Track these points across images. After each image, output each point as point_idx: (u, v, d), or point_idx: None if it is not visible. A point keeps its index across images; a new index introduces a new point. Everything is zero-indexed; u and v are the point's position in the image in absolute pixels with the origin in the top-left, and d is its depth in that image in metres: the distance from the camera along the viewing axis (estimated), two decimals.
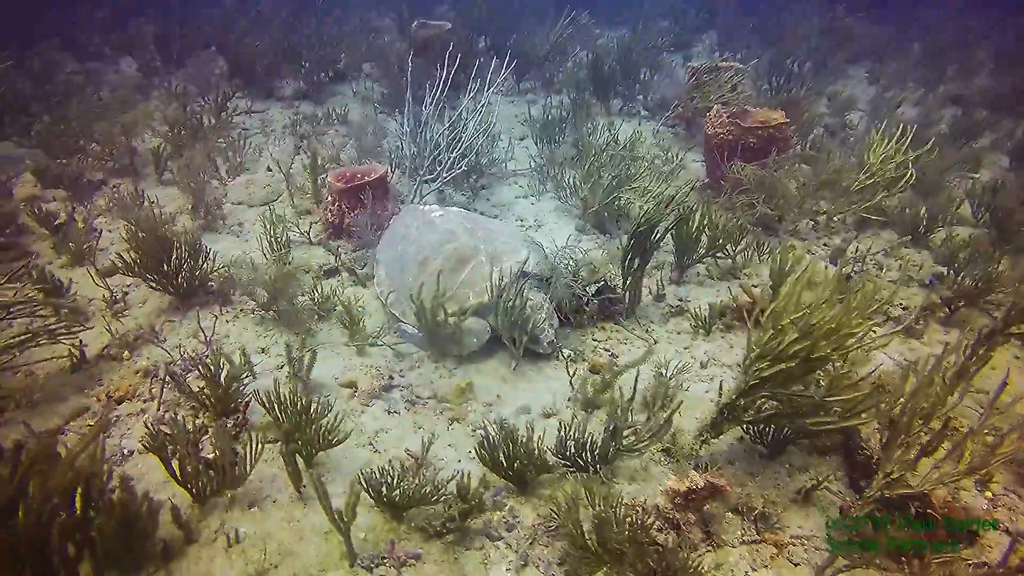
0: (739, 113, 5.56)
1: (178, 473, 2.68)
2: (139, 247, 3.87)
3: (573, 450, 2.78)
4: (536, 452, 2.74)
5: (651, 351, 3.78)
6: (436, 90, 5.69)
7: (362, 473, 2.65)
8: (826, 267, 4.60)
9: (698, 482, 2.45)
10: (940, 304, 4.04)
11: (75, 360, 3.57)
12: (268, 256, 4.48)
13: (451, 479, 2.69)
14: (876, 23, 11.97)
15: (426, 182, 5.58)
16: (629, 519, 2.40)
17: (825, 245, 5.03)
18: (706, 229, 4.43)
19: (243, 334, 3.97)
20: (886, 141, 4.93)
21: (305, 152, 6.07)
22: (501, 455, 2.67)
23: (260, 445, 2.81)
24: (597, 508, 2.36)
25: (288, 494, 2.85)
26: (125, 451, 3.10)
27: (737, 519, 2.72)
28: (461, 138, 5.51)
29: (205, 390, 3.18)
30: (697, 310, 4.11)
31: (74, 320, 3.88)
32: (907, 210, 5.08)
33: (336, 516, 2.35)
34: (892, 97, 8.87)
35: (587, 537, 2.33)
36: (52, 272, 4.10)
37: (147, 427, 2.70)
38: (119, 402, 3.40)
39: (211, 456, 2.84)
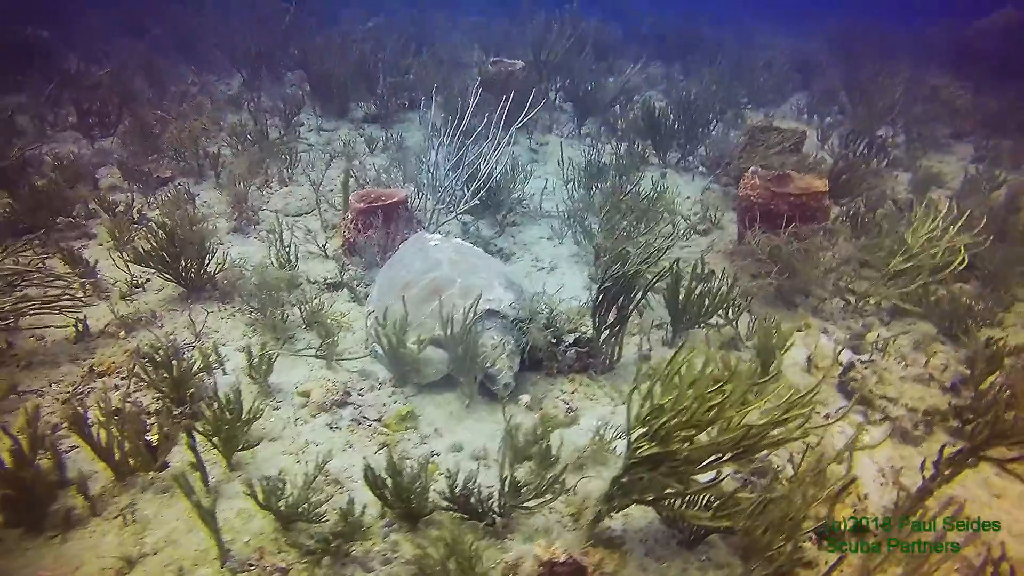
0: (779, 176, 5.28)
1: (101, 449, 2.89)
2: (155, 240, 4.24)
3: (463, 498, 2.71)
4: (423, 492, 2.70)
5: (576, 417, 3.63)
6: (461, 123, 5.82)
7: (262, 479, 2.73)
8: (837, 351, 4.21)
9: (559, 556, 2.31)
10: (951, 411, 3.57)
11: (78, 332, 3.97)
12: (274, 263, 4.75)
13: (349, 502, 2.71)
14: (999, 96, 10.95)
15: (449, 212, 5.72)
16: None
17: (848, 328, 4.62)
18: (704, 293, 4.21)
19: (231, 331, 4.23)
20: (930, 220, 4.50)
21: (352, 172, 6.42)
22: (387, 488, 2.65)
23: (182, 434, 2.97)
24: (461, 565, 2.29)
25: (201, 487, 2.97)
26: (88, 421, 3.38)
27: None
28: (478, 173, 5.59)
29: (163, 377, 3.41)
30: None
31: (94, 296, 4.33)
32: (958, 301, 4.57)
33: (203, 512, 2.43)
34: (994, 176, 8.04)
35: None
36: (80, 252, 4.59)
37: (67, 403, 2.92)
38: (100, 376, 3.72)
39: (152, 439, 3.05)
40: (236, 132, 6.69)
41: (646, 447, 2.32)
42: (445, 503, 2.73)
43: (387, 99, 8.26)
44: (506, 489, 2.69)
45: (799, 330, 4.53)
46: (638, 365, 4.03)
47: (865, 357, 4.14)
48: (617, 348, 4.06)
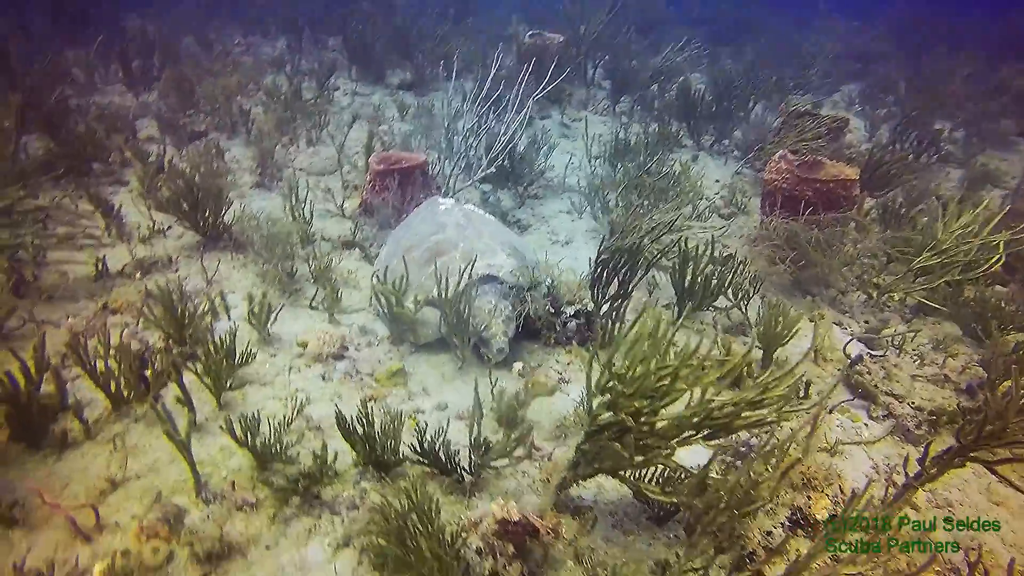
0: (809, 162, 5.07)
1: (100, 379, 3.03)
2: (176, 188, 4.37)
3: (434, 453, 2.73)
4: (394, 443, 2.74)
5: (565, 388, 3.60)
6: (482, 91, 5.77)
7: (242, 417, 2.81)
8: (846, 344, 4.05)
9: (513, 515, 2.30)
10: (958, 413, 3.40)
11: (98, 271, 4.14)
12: (288, 217, 4.84)
13: (322, 447, 2.78)
14: None
15: (468, 180, 5.71)
16: (450, 531, 2.34)
17: (866, 322, 4.43)
18: (711, 275, 4.10)
19: (241, 281, 4.35)
20: (966, 215, 4.25)
21: (378, 135, 6.47)
22: (357, 436, 2.69)
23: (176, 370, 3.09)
24: (420, 516, 2.31)
25: (188, 421, 3.08)
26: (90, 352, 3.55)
27: (579, 570, 2.51)
28: (495, 143, 5.55)
29: (168, 318, 3.54)
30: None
31: (116, 239, 4.51)
32: (987, 301, 4.32)
33: (178, 444, 2.53)
34: None
35: (401, 539, 2.29)
36: (109, 197, 4.78)
37: (69, 336, 3.06)
38: (113, 312, 3.88)
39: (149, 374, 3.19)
40: (271, 91, 6.81)
41: (604, 415, 2.28)
42: (415, 456, 2.76)
43: (423, 67, 8.25)
44: (474, 446, 2.70)
45: (811, 320, 4.38)
46: (607, 331, 3.95)
47: (878, 352, 3.97)
48: (618, 323, 4.01)
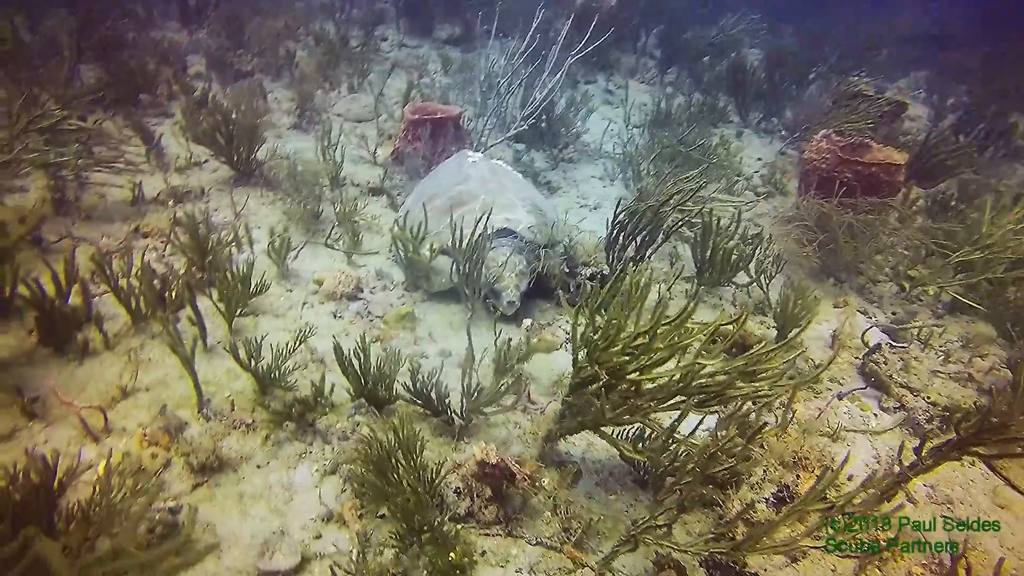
0: (855, 144, 4.84)
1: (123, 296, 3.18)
2: (212, 123, 4.48)
3: (426, 393, 2.78)
4: (388, 379, 2.80)
5: (559, 344, 3.59)
6: (526, 48, 5.67)
7: (243, 340, 2.92)
8: (864, 333, 3.92)
9: (491, 458, 2.34)
10: (974, 412, 3.26)
11: (135, 196, 4.30)
12: (320, 160, 4.90)
13: (321, 378, 2.87)
14: None
15: (500, 135, 5.67)
16: (431, 468, 2.40)
17: (894, 313, 4.27)
18: (731, 250, 4.00)
19: (268, 216, 4.45)
20: (1019, 209, 4.01)
21: (418, 86, 6.46)
22: (354, 370, 2.76)
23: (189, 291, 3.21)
24: (403, 451, 2.37)
25: (195, 339, 3.21)
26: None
27: (555, 521, 2.54)
28: (531, 102, 5.47)
29: (192, 244, 3.66)
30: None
31: (155, 167, 4.67)
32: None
33: (184, 359, 2.64)
34: None
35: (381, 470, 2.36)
36: (153, 127, 4.92)
37: (93, 260, 3.19)
38: (144, 236, 4.04)
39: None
40: (318, 36, 6.85)
41: (587, 368, 2.28)
42: (408, 395, 2.82)
43: (472, 23, 8.15)
44: (465, 391, 2.74)
45: (836, 306, 4.25)
46: (594, 287, 3.90)
47: (900, 344, 3.83)
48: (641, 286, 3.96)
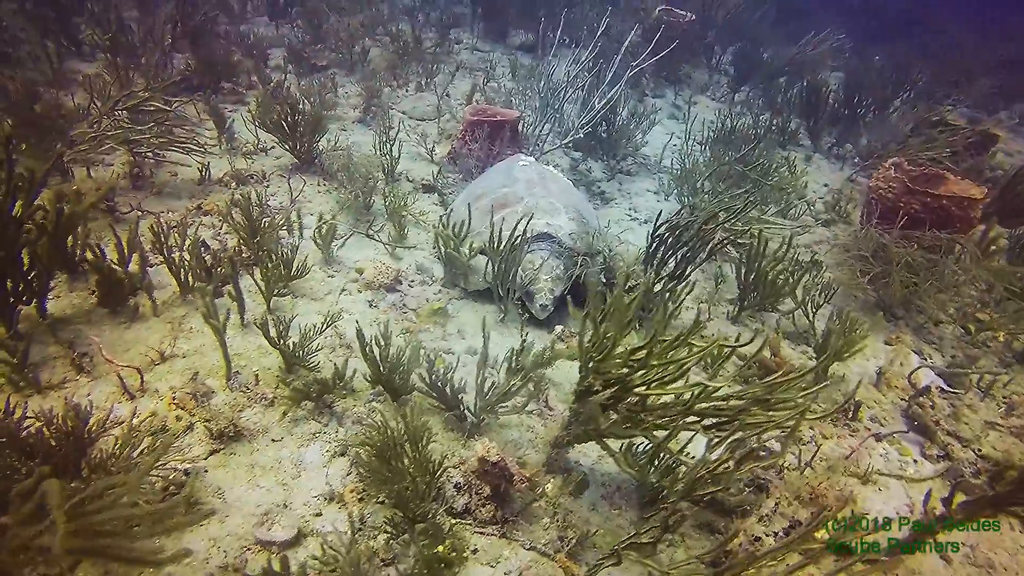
0: (929, 174, 4.56)
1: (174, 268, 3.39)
2: (272, 112, 4.71)
3: (440, 388, 2.81)
4: (406, 371, 2.85)
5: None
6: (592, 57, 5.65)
7: (275, 319, 3.04)
8: (911, 373, 3.67)
9: (492, 456, 2.34)
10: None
11: (202, 176, 4.58)
12: (376, 153, 5.05)
13: (344, 363, 2.96)
14: None
15: (559, 142, 5.67)
16: (435, 460, 2.43)
17: (952, 357, 3.98)
18: (777, 274, 3.85)
19: (322, 205, 4.63)
20: None
21: (483, 88, 6.56)
22: (373, 356, 2.83)
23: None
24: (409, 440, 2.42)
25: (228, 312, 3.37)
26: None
27: (553, 528, 2.52)
28: (589, 110, 5.45)
29: (243, 224, 3.85)
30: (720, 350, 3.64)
31: (225, 150, 4.95)
32: None
33: (215, 329, 2.78)
34: None
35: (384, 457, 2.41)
36: (229, 112, 5.21)
37: (152, 231, 3.41)
38: (205, 214, 4.28)
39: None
40: (393, 36, 7.08)
41: (590, 378, 2.25)
42: (424, 387, 2.86)
43: (546, 30, 8.19)
44: (479, 388, 2.76)
45: (888, 343, 4.01)
46: (598, 294, 3.81)
47: (954, 390, 3.56)
48: (675, 306, 3.88)
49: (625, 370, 2.11)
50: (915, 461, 3.16)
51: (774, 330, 4.08)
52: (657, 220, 3.60)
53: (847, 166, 6.49)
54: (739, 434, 2.07)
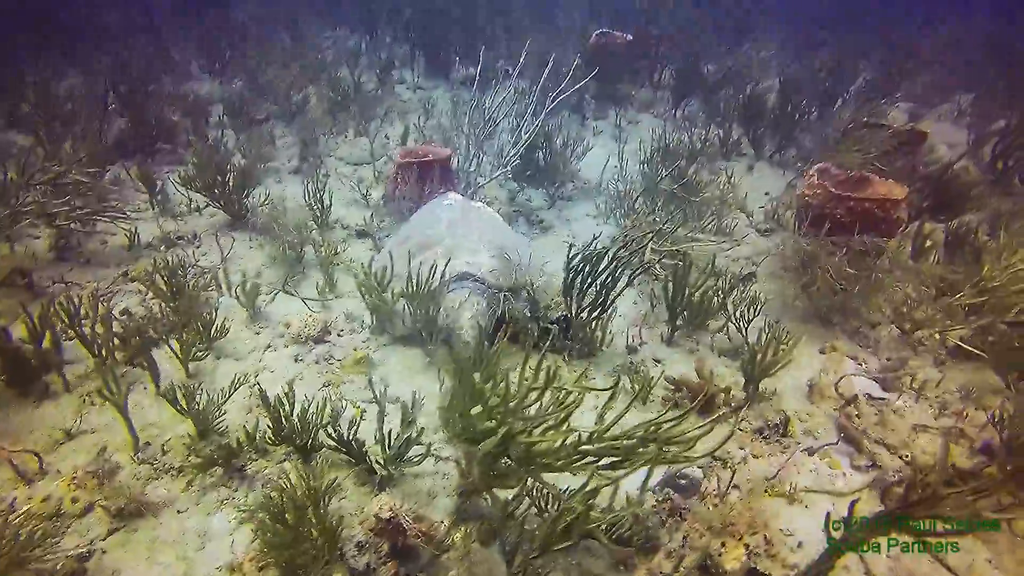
0: (854, 179, 4.60)
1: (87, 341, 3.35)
2: (200, 170, 4.72)
3: (347, 441, 2.77)
4: (310, 428, 2.81)
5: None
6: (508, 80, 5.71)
7: (184, 386, 3.00)
8: (837, 379, 3.64)
9: (383, 513, 2.29)
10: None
11: (131, 242, 4.56)
12: (309, 203, 5.05)
13: (255, 425, 2.92)
14: None
15: (493, 176, 5.69)
16: (334, 520, 2.38)
17: (888, 359, 3.96)
18: (704, 292, 3.84)
19: (252, 260, 4.61)
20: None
21: (420, 127, 6.61)
22: (276, 416, 2.79)
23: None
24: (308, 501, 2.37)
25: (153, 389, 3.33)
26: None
27: None
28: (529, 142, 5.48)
29: (164, 289, 3.83)
30: (646, 374, 3.61)
31: (159, 213, 4.95)
32: None
33: (115, 404, 2.74)
34: None
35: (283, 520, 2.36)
36: (165, 175, 5.22)
37: (59, 304, 3.38)
38: (132, 280, 4.26)
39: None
40: (333, 83, 7.15)
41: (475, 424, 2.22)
42: (332, 443, 2.81)
43: (487, 64, 8.30)
44: (379, 440, 2.72)
45: (822, 352, 3.98)
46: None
47: (883, 395, 3.53)
48: (600, 334, 3.86)
49: (490, 423, 2.08)
50: (845, 474, 3.11)
51: (711, 348, 4.06)
52: (569, 252, 3.60)
53: (788, 172, 6.54)
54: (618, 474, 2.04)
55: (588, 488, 2.26)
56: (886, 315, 4.27)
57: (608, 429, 2.34)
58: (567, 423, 2.23)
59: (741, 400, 3.49)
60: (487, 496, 2.73)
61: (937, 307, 4.22)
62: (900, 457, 3.12)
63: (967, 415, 3.47)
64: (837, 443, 3.25)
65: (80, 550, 2.42)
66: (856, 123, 5.63)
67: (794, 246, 4.15)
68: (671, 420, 2.33)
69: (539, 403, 2.24)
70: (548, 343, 3.83)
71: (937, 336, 4.13)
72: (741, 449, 3.23)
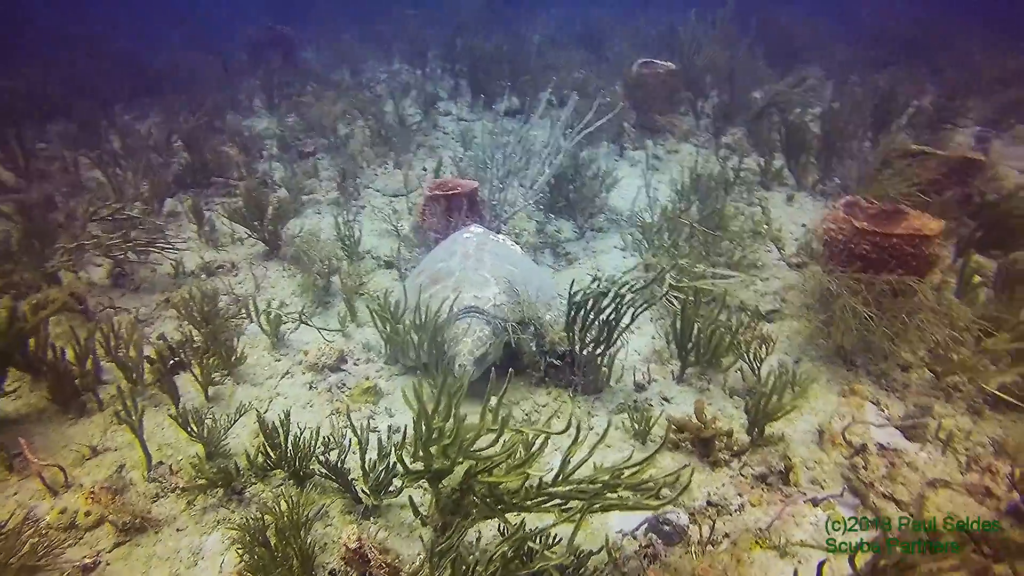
0: (888, 212, 4.39)
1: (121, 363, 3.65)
2: (246, 203, 5.06)
3: (336, 469, 2.89)
4: (301, 458, 2.94)
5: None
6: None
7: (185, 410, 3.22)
8: (844, 430, 3.46)
9: (350, 544, 2.38)
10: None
11: (176, 271, 4.93)
12: (341, 234, 5.29)
13: (257, 449, 3.09)
14: None
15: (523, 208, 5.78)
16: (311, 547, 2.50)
17: (915, 405, 3.72)
18: (715, 330, 3.76)
19: (284, 289, 4.88)
20: None
21: (456, 160, 6.81)
22: (276, 443, 2.94)
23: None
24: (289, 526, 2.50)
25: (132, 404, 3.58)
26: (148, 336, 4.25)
27: None
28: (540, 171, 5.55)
29: (196, 316, 4.12)
30: (649, 414, 3.56)
31: (206, 243, 5.33)
32: None
33: (129, 425, 2.98)
34: None
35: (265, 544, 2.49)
36: (214, 208, 5.63)
37: (99, 328, 3.69)
38: (172, 307, 4.60)
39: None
40: (376, 115, 7.50)
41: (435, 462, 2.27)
42: (323, 470, 2.93)
43: (529, 95, 8.47)
44: (364, 470, 2.82)
45: (842, 396, 3.80)
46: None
47: (907, 445, 3.33)
48: (605, 371, 3.85)
49: (445, 461, 2.14)
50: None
51: (723, 387, 3.96)
52: (571, 288, 3.62)
53: (831, 203, 6.29)
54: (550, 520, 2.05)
55: (549, 527, 2.27)
56: (919, 356, 4.03)
57: (573, 472, 2.36)
58: (529, 463, 2.26)
59: (744, 444, 3.38)
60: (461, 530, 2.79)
61: (976, 350, 3.95)
62: (910, 514, 2.93)
63: (997, 471, 3.22)
64: (842, 495, 3.09)
65: (87, 560, 2.63)
66: (900, 151, 5.37)
67: (815, 282, 3.99)
68: (634, 466, 2.33)
69: (499, 443, 2.28)
70: (552, 375, 3.88)
71: (973, 382, 3.86)
72: (739, 496, 3.13)
